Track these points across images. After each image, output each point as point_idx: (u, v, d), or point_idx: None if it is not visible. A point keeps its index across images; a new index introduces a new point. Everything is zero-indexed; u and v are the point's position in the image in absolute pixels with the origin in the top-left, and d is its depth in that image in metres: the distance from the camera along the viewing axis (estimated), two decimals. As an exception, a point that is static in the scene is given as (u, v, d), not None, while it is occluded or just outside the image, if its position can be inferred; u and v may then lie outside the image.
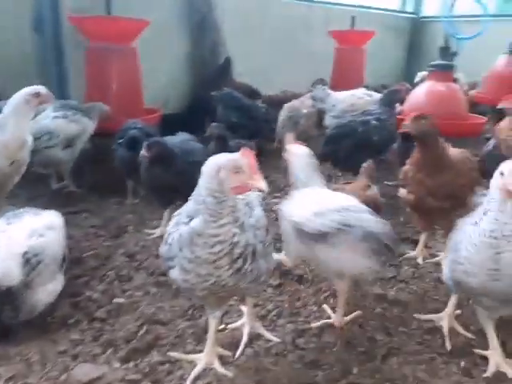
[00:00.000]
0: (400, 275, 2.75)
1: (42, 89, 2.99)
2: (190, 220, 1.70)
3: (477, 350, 2.13)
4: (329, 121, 4.85)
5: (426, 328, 2.30)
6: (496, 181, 1.83)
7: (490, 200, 1.87)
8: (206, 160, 1.71)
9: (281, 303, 2.50)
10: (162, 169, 3.03)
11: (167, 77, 5.97)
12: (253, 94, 6.64)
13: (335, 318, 2.30)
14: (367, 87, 6.30)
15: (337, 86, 6.78)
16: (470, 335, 2.23)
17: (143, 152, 2.95)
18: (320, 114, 5.06)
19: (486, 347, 2.10)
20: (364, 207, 2.17)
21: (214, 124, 3.98)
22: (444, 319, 2.29)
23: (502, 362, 2.03)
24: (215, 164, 1.66)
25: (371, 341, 2.21)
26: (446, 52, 4.13)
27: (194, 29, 5.99)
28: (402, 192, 2.81)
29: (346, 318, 2.31)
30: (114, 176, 3.96)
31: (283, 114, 4.72)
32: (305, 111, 4.63)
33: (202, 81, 6.07)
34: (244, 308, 2.33)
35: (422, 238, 3.00)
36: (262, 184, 1.65)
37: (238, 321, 2.31)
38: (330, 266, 2.16)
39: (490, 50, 6.58)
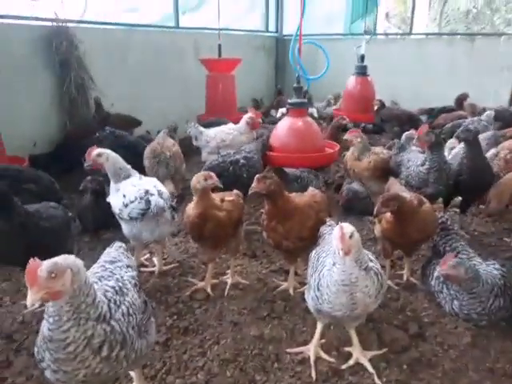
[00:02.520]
0: (274, 311, 3.07)
1: None
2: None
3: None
4: (205, 157, 5.12)
5: (298, 360, 2.62)
6: (334, 242, 2.21)
7: (335, 253, 2.27)
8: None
9: (169, 359, 2.64)
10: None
11: (33, 119, 5.71)
12: (134, 123, 6.63)
13: None
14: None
15: (211, 111, 7.10)
16: (332, 359, 2.61)
17: None
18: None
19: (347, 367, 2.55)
20: (163, 192, 3.24)
21: (88, 178, 3.94)
22: (311, 350, 2.65)
23: (361, 356, 2.57)
24: None
25: (251, 382, 2.47)
26: (300, 91, 4.66)
27: (58, 68, 5.81)
28: (264, 235, 3.15)
29: None
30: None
31: (149, 162, 4.71)
32: (169, 154, 4.70)
33: (76, 121, 5.98)
34: (132, 373, 2.40)
35: (291, 269, 3.37)
36: (28, 300, 1.61)
37: (128, 387, 2.38)
38: (142, 237, 3.22)
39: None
